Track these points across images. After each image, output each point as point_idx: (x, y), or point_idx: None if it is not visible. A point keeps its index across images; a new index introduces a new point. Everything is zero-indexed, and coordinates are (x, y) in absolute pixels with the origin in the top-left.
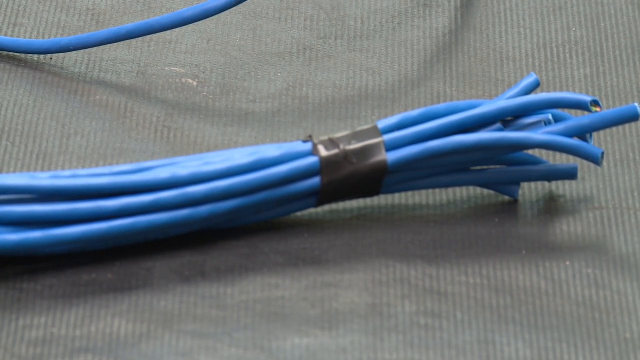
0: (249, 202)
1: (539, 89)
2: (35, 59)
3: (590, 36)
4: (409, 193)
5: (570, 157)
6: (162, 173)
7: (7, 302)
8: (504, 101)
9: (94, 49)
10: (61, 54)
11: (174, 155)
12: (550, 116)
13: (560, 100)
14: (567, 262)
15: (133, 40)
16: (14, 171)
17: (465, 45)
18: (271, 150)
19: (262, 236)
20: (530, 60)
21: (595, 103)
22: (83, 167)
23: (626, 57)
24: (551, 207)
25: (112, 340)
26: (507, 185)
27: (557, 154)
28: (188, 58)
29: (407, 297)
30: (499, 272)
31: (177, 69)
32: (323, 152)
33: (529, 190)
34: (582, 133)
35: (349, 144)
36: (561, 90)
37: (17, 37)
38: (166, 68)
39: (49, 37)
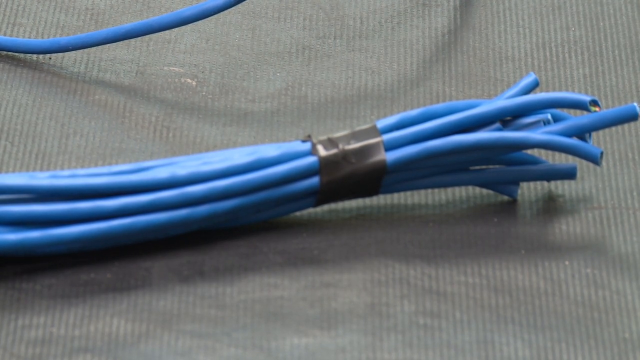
0: (248, 202)
1: (538, 88)
2: (35, 58)
3: (589, 36)
4: (408, 193)
5: (570, 157)
6: (161, 173)
7: (6, 302)
8: (503, 101)
9: (93, 48)
10: (60, 54)
11: (173, 155)
12: (549, 116)
13: (559, 100)
14: (567, 262)
15: (132, 40)
16: (13, 171)
17: (464, 45)
18: (270, 150)
19: (261, 236)
20: (529, 60)
21: (594, 103)
22: (82, 167)
23: (625, 57)
24: (550, 207)
25: (111, 340)
26: (506, 185)
27: (557, 154)
28: (187, 58)
29: (406, 297)
30: (498, 272)
31: (176, 69)
32: (322, 152)
33: (528, 190)
34: (582, 133)
35: (348, 143)
36: (560, 90)
37: (16, 37)
38: (165, 68)
39: (48, 37)
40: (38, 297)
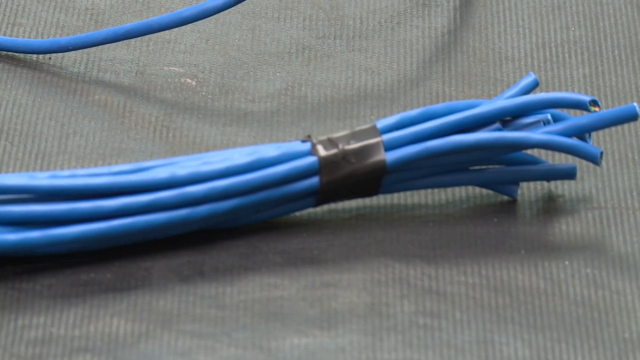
0: (248, 202)
1: (538, 88)
2: (35, 59)
3: (589, 36)
4: (408, 193)
5: (569, 157)
6: (161, 173)
7: (6, 302)
8: (503, 101)
9: (93, 48)
10: (60, 54)
11: (173, 155)
12: (549, 116)
13: (559, 100)
14: (566, 262)
15: (132, 40)
16: (13, 171)
17: (464, 45)
18: (270, 150)
19: (261, 236)
20: (529, 60)
21: (594, 103)
22: (82, 167)
23: (625, 57)
24: (550, 207)
25: (111, 340)
26: (506, 185)
27: (556, 154)
28: (187, 58)
29: (406, 297)
30: (498, 272)
31: (176, 69)
32: (322, 152)
33: (528, 190)
34: (581, 133)
35: (348, 143)
36: (560, 90)
37: (16, 37)
38: (165, 68)
39: (48, 37)
40: (38, 297)
